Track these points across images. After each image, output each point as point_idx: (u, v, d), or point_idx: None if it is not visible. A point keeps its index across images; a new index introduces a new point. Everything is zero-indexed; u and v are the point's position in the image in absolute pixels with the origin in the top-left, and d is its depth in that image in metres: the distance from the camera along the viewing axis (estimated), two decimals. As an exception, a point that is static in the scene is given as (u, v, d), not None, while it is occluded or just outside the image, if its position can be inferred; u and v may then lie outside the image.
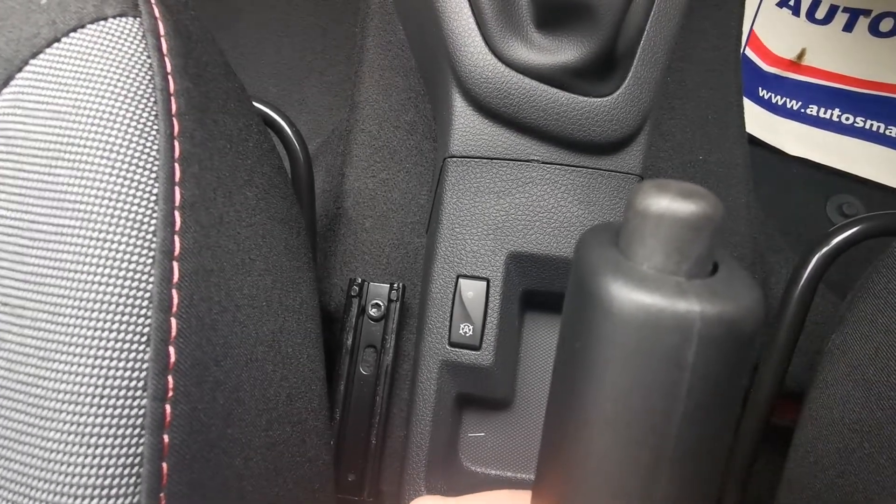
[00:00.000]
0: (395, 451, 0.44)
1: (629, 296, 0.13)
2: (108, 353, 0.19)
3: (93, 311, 0.19)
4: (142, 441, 0.19)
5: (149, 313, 0.20)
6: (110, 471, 0.18)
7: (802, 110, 0.75)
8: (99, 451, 0.18)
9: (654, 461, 0.13)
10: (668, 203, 0.13)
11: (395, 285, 0.43)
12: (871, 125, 0.74)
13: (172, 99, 0.22)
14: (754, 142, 0.73)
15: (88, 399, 0.19)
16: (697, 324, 0.13)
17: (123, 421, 0.19)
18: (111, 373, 0.19)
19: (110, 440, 0.19)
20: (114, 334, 0.19)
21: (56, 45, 0.22)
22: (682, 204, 0.13)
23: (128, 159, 0.21)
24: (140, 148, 0.21)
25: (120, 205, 0.20)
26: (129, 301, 0.20)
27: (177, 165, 0.22)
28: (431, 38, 0.43)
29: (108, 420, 0.19)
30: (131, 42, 0.22)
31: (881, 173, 0.72)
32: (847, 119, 0.74)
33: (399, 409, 0.44)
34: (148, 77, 0.22)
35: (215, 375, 0.22)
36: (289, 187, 0.33)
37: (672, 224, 0.13)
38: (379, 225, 0.50)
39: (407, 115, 0.52)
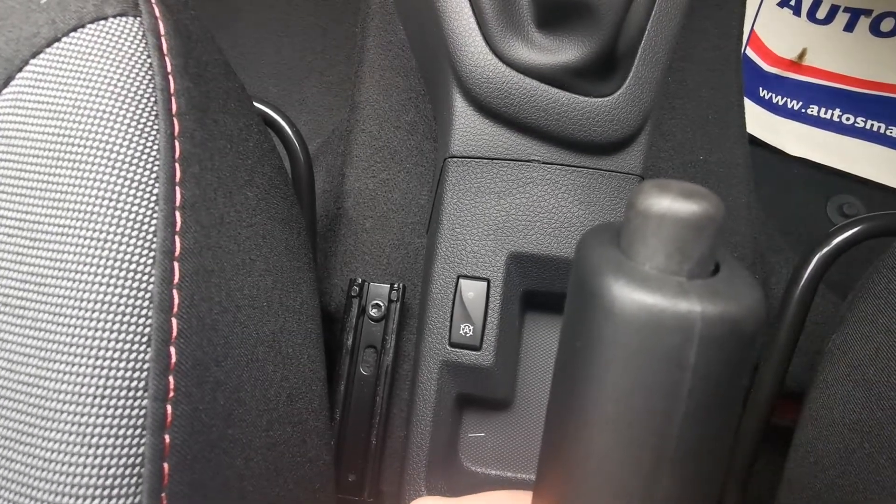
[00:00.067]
0: (396, 451, 0.44)
1: (631, 296, 0.13)
2: (108, 354, 0.19)
3: (93, 311, 0.19)
4: (143, 441, 0.19)
5: (149, 314, 0.20)
6: (111, 471, 0.18)
7: (803, 110, 0.75)
8: (100, 451, 0.18)
9: (656, 461, 0.13)
10: (670, 203, 0.13)
11: (396, 286, 0.43)
12: (872, 125, 0.74)
13: (173, 99, 0.22)
14: (755, 142, 0.73)
15: (89, 399, 0.19)
16: (699, 324, 0.13)
17: (124, 421, 0.19)
18: (112, 373, 0.19)
19: (111, 440, 0.19)
20: (115, 335, 0.19)
21: (56, 44, 0.21)
22: (684, 204, 0.13)
23: (128, 159, 0.21)
24: (140, 148, 0.21)
25: (120, 205, 0.20)
26: (130, 301, 0.20)
27: (177, 165, 0.22)
28: (432, 38, 0.43)
29: (109, 420, 0.19)
30: (131, 41, 0.22)
31: (882, 173, 0.72)
32: (848, 119, 0.74)
33: (399, 410, 0.44)
34: (148, 77, 0.22)
35: (216, 376, 0.22)
36: (289, 187, 0.33)
37: (673, 224, 0.13)
38: (379, 225, 0.50)
39: (407, 116, 0.52)
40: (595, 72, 0.38)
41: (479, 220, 0.40)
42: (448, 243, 0.40)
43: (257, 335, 0.25)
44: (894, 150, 0.73)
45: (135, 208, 0.20)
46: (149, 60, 0.22)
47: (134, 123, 0.21)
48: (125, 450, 0.19)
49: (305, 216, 0.44)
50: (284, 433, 0.27)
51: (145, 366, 0.19)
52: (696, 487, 0.14)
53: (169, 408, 0.20)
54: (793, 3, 0.77)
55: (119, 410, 0.19)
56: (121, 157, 0.21)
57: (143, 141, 0.21)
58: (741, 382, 0.14)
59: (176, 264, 0.21)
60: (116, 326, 0.19)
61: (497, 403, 0.41)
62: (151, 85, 0.22)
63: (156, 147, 0.21)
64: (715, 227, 0.13)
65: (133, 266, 0.20)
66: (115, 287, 0.20)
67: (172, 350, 0.20)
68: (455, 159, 0.41)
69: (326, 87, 0.71)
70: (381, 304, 0.43)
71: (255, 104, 0.42)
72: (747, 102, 0.74)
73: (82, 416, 0.18)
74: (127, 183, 0.21)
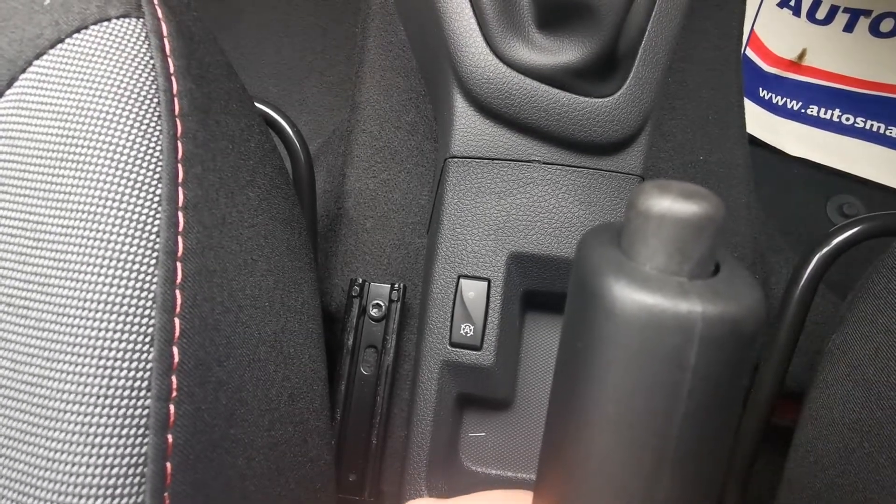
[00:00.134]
0: (396, 451, 0.44)
1: (631, 296, 0.13)
2: (112, 354, 0.19)
3: (97, 311, 0.19)
4: (146, 441, 0.19)
5: (152, 314, 0.20)
6: (114, 470, 0.18)
7: (803, 111, 0.75)
8: (103, 450, 0.18)
9: (656, 462, 0.13)
10: (670, 203, 0.13)
11: (396, 285, 0.43)
12: (872, 125, 0.74)
13: (175, 100, 0.22)
14: (755, 142, 0.74)
15: (93, 399, 0.19)
16: (699, 324, 0.13)
17: (127, 421, 0.19)
18: (115, 373, 0.19)
19: (114, 440, 0.19)
20: (118, 335, 0.19)
21: (59, 45, 0.22)
22: (684, 204, 0.13)
23: (131, 160, 0.21)
24: (143, 149, 0.21)
25: (123, 205, 0.20)
26: (133, 301, 0.20)
27: (180, 166, 0.22)
28: (432, 38, 0.43)
29: (112, 420, 0.19)
30: (134, 43, 0.22)
31: (881, 174, 0.72)
32: (847, 119, 0.75)
33: (400, 410, 0.45)
34: (151, 78, 0.22)
35: (218, 375, 0.22)
36: (290, 188, 0.33)
37: (674, 224, 0.13)
38: (380, 225, 0.50)
39: (408, 116, 0.52)
40: (595, 72, 0.39)
41: (479, 220, 0.40)
42: (449, 243, 0.40)
43: (259, 335, 0.25)
44: (894, 150, 0.73)
45: (138, 209, 0.21)
46: (152, 62, 0.22)
47: (137, 124, 0.21)
48: (128, 449, 0.19)
49: (306, 216, 0.44)
50: (286, 433, 0.27)
51: (148, 366, 0.19)
52: (697, 487, 0.14)
53: (172, 407, 0.20)
54: (793, 3, 0.77)
55: (122, 410, 0.19)
56: (124, 157, 0.21)
57: (145, 142, 0.21)
58: (741, 383, 0.14)
59: (179, 264, 0.21)
60: (119, 326, 0.19)
61: (497, 403, 0.41)
62: (154, 86, 0.22)
63: (159, 148, 0.21)
64: (715, 228, 0.13)
65: (136, 266, 0.20)
66: (119, 287, 0.20)
67: (175, 350, 0.20)
68: (455, 159, 0.42)
69: (327, 87, 0.71)
70: (382, 304, 0.43)
71: (257, 104, 0.42)
72: (747, 103, 0.75)
73: (86, 415, 0.18)
74: (130, 184, 0.21)
